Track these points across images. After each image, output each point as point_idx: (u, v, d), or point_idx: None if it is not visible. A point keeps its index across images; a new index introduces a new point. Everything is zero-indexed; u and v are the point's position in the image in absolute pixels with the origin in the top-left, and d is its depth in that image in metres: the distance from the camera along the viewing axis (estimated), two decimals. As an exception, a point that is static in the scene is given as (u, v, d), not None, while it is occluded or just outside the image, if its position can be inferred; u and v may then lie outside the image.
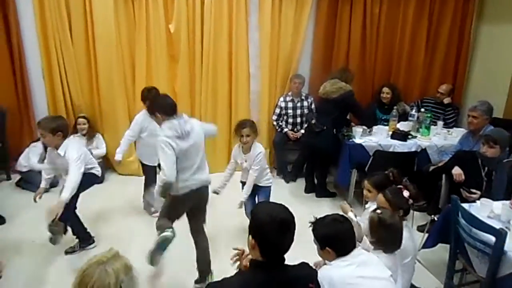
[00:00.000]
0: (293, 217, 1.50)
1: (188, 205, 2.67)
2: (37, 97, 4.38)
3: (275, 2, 4.41)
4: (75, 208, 3.05)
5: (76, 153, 2.79)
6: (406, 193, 2.35)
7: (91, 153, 3.27)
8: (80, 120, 4.38)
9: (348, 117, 4.20)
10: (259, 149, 3.21)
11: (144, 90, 3.65)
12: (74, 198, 2.87)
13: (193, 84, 4.55)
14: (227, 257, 1.83)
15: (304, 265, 1.58)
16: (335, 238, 1.78)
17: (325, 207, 4.04)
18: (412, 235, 2.32)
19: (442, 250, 2.87)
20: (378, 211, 2.09)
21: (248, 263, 1.57)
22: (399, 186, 2.43)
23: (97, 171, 3.12)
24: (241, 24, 4.41)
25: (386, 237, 2.02)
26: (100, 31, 4.19)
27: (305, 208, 3.89)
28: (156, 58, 4.39)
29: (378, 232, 2.04)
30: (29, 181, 4.10)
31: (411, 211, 3.47)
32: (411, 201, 2.34)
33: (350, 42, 4.68)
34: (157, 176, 3.31)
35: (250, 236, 1.49)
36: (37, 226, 3.47)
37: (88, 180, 2.96)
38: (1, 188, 4.08)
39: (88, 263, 1.31)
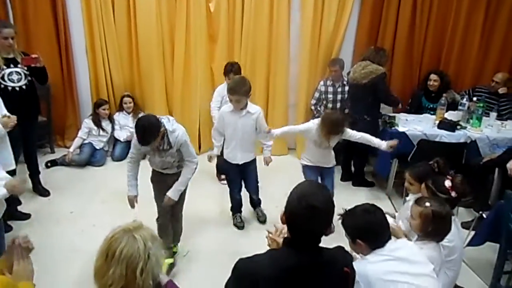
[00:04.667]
0: (325, 204, 1.37)
1: None
2: (81, 74, 4.49)
3: (319, -20, 4.21)
4: None
5: None
6: (448, 183, 2.14)
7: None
8: (126, 99, 4.48)
9: None
10: None
11: (227, 64, 3.81)
12: None
13: (231, 64, 4.48)
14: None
15: (339, 248, 1.50)
16: (366, 230, 1.65)
17: (362, 197, 3.88)
18: (459, 231, 2.16)
19: (489, 250, 2.68)
20: (427, 203, 1.92)
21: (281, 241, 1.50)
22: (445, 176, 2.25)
23: None
24: (282, 4, 4.25)
25: (441, 228, 1.89)
26: (141, 8, 4.20)
27: (341, 197, 3.73)
28: (195, 37, 4.34)
29: (434, 225, 1.88)
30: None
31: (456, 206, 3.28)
32: (454, 193, 2.13)
33: (398, 25, 4.38)
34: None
35: (283, 214, 1.42)
36: (76, 198, 3.62)
37: None
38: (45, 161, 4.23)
39: (113, 232, 1.31)
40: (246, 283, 1.35)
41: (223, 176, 3.94)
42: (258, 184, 3.37)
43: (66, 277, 2.62)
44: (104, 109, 4.39)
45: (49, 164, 4.19)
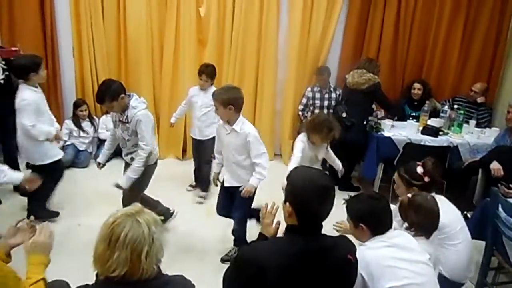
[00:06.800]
0: (333, 184, 1.43)
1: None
2: (67, 75, 4.40)
3: (308, -12, 4.32)
4: None
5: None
6: (419, 169, 2.24)
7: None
8: None
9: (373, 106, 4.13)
10: None
11: (202, 65, 3.73)
12: None
13: (220, 69, 4.46)
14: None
15: (342, 236, 1.51)
16: (370, 215, 1.69)
17: (338, 201, 3.92)
18: (450, 207, 2.22)
19: (473, 250, 2.74)
20: (409, 194, 2.00)
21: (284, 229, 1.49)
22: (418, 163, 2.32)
23: None
24: (272, 11, 4.34)
25: (418, 220, 1.91)
26: (131, 10, 4.20)
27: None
28: (184, 41, 4.35)
29: (409, 216, 1.94)
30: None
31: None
32: (427, 178, 2.21)
33: (383, 34, 4.54)
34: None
35: (287, 204, 1.41)
36: (59, 199, 3.47)
37: None
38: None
39: (114, 216, 1.27)
40: (250, 271, 1.33)
41: (193, 183, 3.94)
42: (244, 218, 2.82)
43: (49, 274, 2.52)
44: (81, 110, 4.30)
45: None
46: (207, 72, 3.60)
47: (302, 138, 2.91)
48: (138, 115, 2.61)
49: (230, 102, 2.54)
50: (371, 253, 1.63)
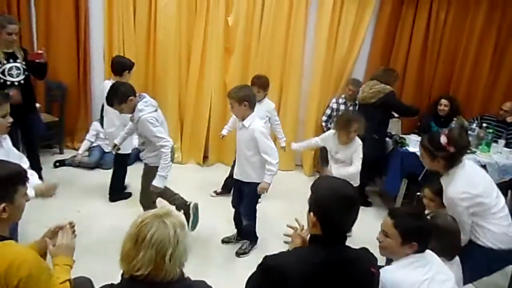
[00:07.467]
0: (356, 194, 1.43)
1: None
2: (96, 78, 4.54)
3: (337, 1, 4.33)
4: None
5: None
6: (443, 139, 2.10)
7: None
8: None
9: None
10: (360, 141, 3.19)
11: (254, 76, 3.70)
12: None
13: (245, 78, 4.52)
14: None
15: (365, 248, 1.50)
16: (425, 233, 1.66)
17: (370, 217, 3.88)
18: (484, 176, 2.20)
19: (497, 273, 2.64)
20: (428, 217, 1.96)
21: (307, 238, 1.49)
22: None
23: None
24: (299, 22, 4.38)
25: (441, 243, 1.85)
26: (162, 18, 4.30)
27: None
28: (211, 49, 4.42)
29: (433, 241, 1.89)
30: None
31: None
32: (452, 149, 2.09)
33: (410, 49, 4.51)
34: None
35: (312, 213, 1.42)
36: (82, 199, 3.61)
37: None
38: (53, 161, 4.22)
39: (143, 217, 1.31)
40: (273, 277, 1.34)
41: (218, 190, 3.92)
42: (250, 214, 2.95)
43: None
44: None
45: (57, 164, 4.18)
46: (259, 84, 3.54)
47: (330, 131, 3.31)
48: (142, 119, 2.65)
49: (245, 99, 2.68)
50: (401, 276, 1.60)
